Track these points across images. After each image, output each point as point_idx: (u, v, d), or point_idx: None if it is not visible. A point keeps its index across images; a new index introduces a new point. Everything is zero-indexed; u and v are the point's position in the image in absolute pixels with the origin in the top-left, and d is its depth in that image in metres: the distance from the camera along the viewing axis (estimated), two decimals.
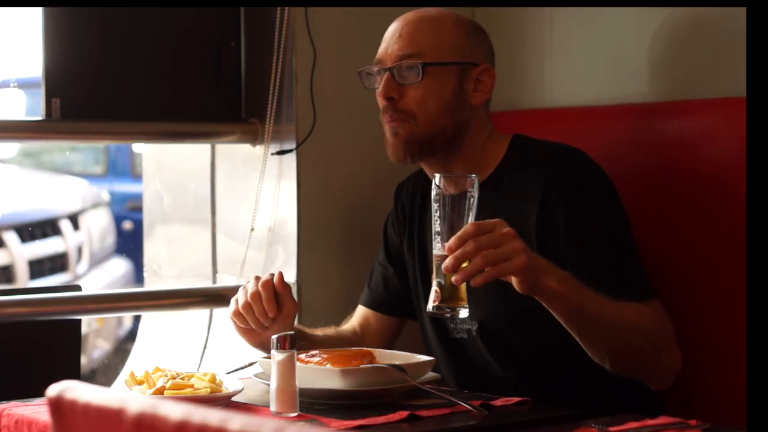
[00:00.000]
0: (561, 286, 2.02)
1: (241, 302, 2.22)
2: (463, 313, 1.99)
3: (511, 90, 2.84)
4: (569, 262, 2.14)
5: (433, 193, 1.99)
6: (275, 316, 2.19)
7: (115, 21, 2.67)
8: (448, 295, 1.98)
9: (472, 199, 1.97)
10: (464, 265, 1.94)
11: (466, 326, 2.31)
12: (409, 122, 2.26)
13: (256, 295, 2.20)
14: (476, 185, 1.98)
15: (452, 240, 1.94)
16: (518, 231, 2.11)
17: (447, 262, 1.94)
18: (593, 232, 2.20)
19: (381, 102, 2.29)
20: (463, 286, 1.97)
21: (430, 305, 1.99)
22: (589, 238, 2.20)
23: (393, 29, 2.32)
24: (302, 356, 2.08)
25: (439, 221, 1.98)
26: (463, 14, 2.37)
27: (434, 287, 1.99)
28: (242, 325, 2.25)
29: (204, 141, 2.89)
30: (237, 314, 2.23)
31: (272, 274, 2.22)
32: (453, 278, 1.94)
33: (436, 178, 1.99)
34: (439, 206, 1.98)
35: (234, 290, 2.28)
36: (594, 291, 2.06)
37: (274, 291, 2.20)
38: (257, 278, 2.23)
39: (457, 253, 1.93)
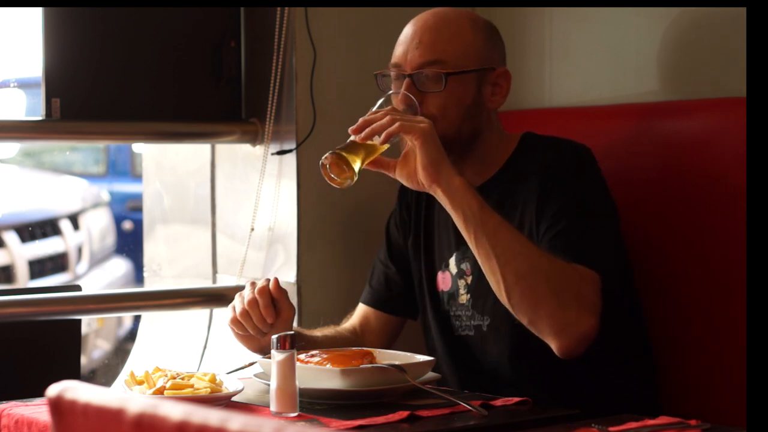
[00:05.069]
0: (463, 184, 2.10)
1: (238, 310, 2.21)
2: (346, 183, 2.12)
3: (511, 90, 2.83)
4: (540, 223, 2.17)
5: None
6: (273, 321, 2.19)
7: (115, 21, 2.67)
8: (345, 152, 2.12)
9: None
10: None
11: (475, 322, 2.30)
12: None
13: (253, 302, 2.19)
14: None
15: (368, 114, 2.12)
16: (525, 224, 2.12)
17: (357, 123, 2.10)
18: (566, 197, 2.18)
19: (400, 106, 2.25)
20: (358, 161, 2.11)
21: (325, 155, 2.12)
22: (561, 203, 2.17)
23: (411, 33, 2.26)
24: (302, 356, 2.08)
25: None
26: (476, 13, 2.33)
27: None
28: (241, 333, 2.24)
29: (204, 141, 2.89)
30: (235, 322, 2.22)
31: (268, 280, 2.21)
32: (358, 138, 2.10)
33: None
34: None
35: (234, 290, 2.28)
36: (504, 218, 2.11)
37: (270, 297, 2.19)
38: (252, 284, 2.22)
39: (367, 116, 2.10)
